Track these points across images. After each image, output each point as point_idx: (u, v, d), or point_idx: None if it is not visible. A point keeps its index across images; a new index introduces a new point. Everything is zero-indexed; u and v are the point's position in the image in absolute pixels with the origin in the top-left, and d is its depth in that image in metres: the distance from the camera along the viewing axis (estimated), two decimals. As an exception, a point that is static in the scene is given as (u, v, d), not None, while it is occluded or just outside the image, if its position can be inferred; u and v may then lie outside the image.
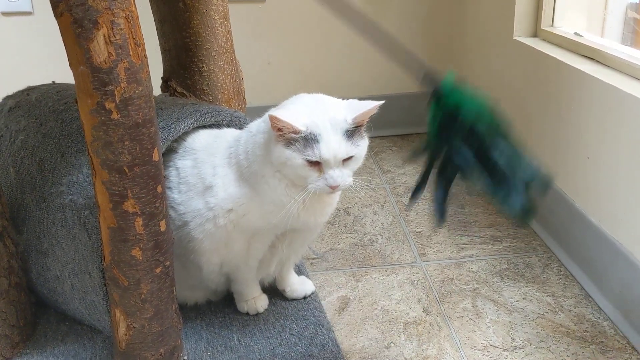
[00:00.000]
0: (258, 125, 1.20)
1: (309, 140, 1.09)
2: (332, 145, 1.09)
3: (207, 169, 1.22)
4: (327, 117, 1.11)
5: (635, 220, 1.29)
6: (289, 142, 1.10)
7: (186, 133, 1.29)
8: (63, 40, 0.94)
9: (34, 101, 1.41)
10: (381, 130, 2.46)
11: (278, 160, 1.12)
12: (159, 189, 1.05)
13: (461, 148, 0.93)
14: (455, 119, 0.92)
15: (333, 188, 1.11)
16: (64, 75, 0.99)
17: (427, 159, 0.99)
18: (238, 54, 1.70)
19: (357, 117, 1.12)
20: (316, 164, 1.10)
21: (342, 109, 1.13)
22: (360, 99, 2.47)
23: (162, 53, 1.63)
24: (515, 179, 0.91)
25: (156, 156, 1.03)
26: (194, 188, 1.22)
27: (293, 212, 1.16)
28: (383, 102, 1.13)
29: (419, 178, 1.01)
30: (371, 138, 2.65)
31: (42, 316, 1.37)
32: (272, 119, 1.08)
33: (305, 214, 1.20)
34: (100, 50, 0.92)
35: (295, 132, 1.08)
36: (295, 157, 1.10)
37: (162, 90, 1.65)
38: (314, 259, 1.64)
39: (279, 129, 1.09)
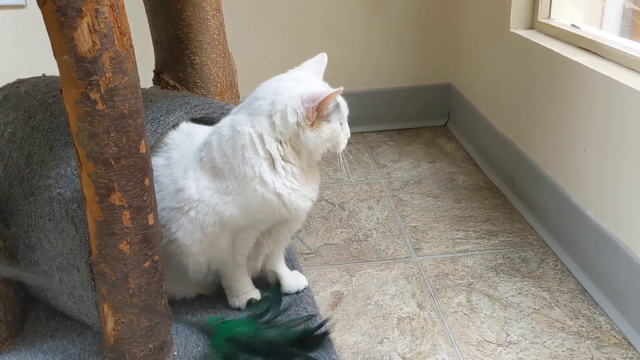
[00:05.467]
0: (235, 128, 1.18)
1: (337, 105, 1.18)
2: (344, 102, 1.21)
3: (179, 172, 1.21)
4: (321, 83, 1.22)
5: (632, 215, 1.28)
6: (327, 118, 1.16)
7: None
8: (47, 29, 0.92)
9: (23, 94, 1.40)
10: (377, 124, 2.45)
11: (325, 138, 1.17)
12: (147, 181, 1.04)
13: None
14: (233, 340, 1.12)
15: (349, 138, 1.24)
16: (56, 68, 0.98)
17: None
18: (233, 47, 1.68)
19: (322, 75, 1.28)
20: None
21: (313, 76, 1.24)
22: (358, 93, 2.48)
23: (154, 45, 1.61)
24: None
25: (143, 148, 1.02)
26: (165, 189, 1.21)
27: (292, 201, 1.20)
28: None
29: None
30: (368, 132, 2.64)
31: (31, 311, 1.36)
32: (328, 99, 1.13)
33: (296, 197, 1.20)
34: (84, 39, 0.90)
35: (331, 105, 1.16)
36: (338, 125, 1.19)
37: (154, 83, 1.63)
38: (308, 254, 1.62)
39: (318, 109, 1.14)
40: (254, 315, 1.21)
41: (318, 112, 1.15)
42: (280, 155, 1.18)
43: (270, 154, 1.17)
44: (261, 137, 1.17)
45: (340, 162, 1.24)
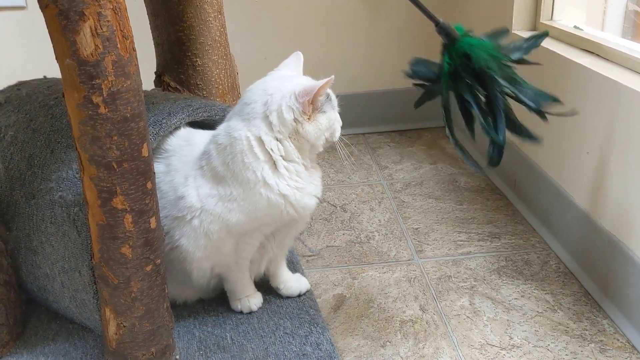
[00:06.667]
0: (231, 135, 1.18)
1: (328, 96, 1.21)
2: (332, 92, 1.23)
3: (179, 179, 1.21)
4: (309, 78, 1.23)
5: (635, 217, 1.27)
6: (321, 109, 1.19)
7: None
8: (49, 33, 0.91)
9: (25, 96, 1.39)
10: (379, 125, 2.44)
11: (323, 129, 1.19)
12: (149, 185, 1.03)
13: (474, 85, 1.08)
14: (469, 60, 1.07)
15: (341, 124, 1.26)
16: (57, 70, 0.98)
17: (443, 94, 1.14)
18: (234, 49, 1.67)
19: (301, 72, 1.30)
20: None
21: (293, 72, 1.27)
22: (360, 94, 2.47)
23: (155, 47, 1.61)
24: (524, 101, 1.09)
25: (146, 151, 1.01)
26: (166, 196, 1.20)
27: (298, 200, 1.20)
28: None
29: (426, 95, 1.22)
30: (369, 134, 2.63)
31: (33, 314, 1.35)
32: (321, 90, 1.15)
33: (302, 196, 1.21)
34: (86, 42, 0.90)
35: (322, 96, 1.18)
36: (333, 114, 1.22)
37: (155, 85, 1.63)
38: (309, 256, 1.62)
39: (313, 102, 1.16)
40: (504, 46, 1.13)
41: (313, 105, 1.16)
42: (282, 155, 1.17)
43: (271, 156, 1.17)
44: (259, 139, 1.17)
45: (339, 150, 1.25)
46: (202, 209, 1.18)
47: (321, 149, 1.24)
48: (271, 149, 1.17)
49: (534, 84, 1.70)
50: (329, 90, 1.22)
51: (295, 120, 1.16)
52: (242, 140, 1.16)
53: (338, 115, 1.24)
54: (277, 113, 1.16)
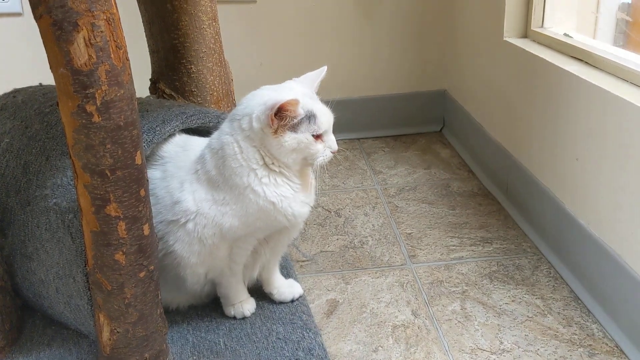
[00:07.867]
0: (221, 139, 1.20)
1: (310, 117, 1.15)
2: (327, 114, 1.19)
3: (175, 184, 1.21)
4: (302, 93, 1.18)
5: (623, 223, 1.29)
6: (293, 128, 1.14)
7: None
8: (43, 43, 0.93)
9: (20, 103, 1.41)
10: (373, 131, 2.46)
11: (289, 148, 1.16)
12: (142, 192, 1.05)
13: None
14: None
15: (334, 151, 1.20)
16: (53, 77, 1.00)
17: None
18: (229, 55, 1.69)
19: (317, 87, 1.24)
20: (318, 137, 1.18)
21: (301, 86, 1.21)
22: (355, 99, 2.48)
23: (150, 54, 1.62)
24: None
25: (139, 159, 1.02)
26: (162, 201, 1.22)
27: (285, 209, 1.19)
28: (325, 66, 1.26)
29: None
30: (363, 139, 2.64)
31: (28, 320, 1.36)
32: (282, 108, 1.11)
33: (295, 205, 1.21)
34: (80, 52, 0.91)
35: (297, 115, 1.14)
36: (307, 137, 1.16)
37: (150, 92, 1.64)
38: (303, 261, 1.63)
39: (282, 118, 1.13)
40: None
41: (280, 120, 1.14)
42: (261, 164, 1.18)
43: (254, 163, 1.17)
44: (239, 144, 1.17)
45: (311, 176, 1.21)
46: (197, 213, 1.19)
47: (297, 167, 1.20)
48: (247, 157, 1.17)
49: (524, 89, 1.72)
50: (322, 113, 1.17)
51: (262, 130, 1.15)
52: (229, 145, 1.18)
53: (331, 141, 1.19)
54: (249, 118, 1.16)
